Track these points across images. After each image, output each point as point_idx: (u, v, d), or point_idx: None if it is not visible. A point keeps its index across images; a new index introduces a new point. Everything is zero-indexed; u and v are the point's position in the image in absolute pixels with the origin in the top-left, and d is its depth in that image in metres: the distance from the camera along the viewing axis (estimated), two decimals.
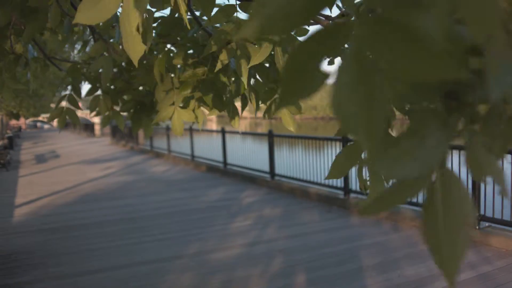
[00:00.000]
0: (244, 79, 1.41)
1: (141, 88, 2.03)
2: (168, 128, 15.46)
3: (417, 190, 0.42)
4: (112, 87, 2.05)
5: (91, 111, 2.11)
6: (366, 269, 4.48)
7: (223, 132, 11.41)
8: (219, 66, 1.47)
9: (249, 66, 1.41)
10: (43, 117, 75.16)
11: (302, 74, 0.41)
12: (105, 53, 1.74)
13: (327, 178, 1.00)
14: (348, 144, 0.94)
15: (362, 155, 0.94)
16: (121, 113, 2.10)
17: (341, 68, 0.39)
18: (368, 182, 0.99)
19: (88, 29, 2.08)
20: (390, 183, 0.84)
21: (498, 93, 0.36)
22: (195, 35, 1.71)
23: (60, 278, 4.66)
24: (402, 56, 0.36)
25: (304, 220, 6.52)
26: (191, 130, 13.34)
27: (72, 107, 2.07)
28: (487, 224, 5.19)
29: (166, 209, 7.70)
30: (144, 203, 8.32)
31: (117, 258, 5.17)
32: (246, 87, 1.48)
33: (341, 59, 0.40)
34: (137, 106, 2.00)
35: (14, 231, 6.69)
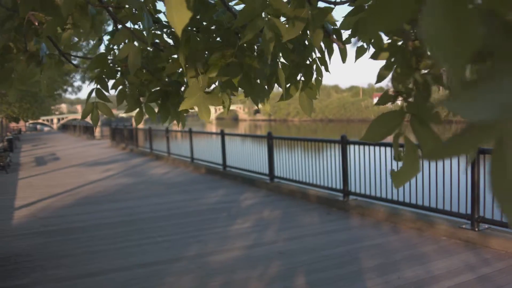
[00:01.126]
0: (269, 49, 1.38)
1: (167, 79, 2.00)
2: (168, 131, 15.46)
3: (487, 135, 0.40)
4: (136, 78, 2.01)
5: (118, 104, 2.06)
6: (365, 271, 4.48)
7: (222, 134, 11.41)
8: (244, 40, 1.44)
9: (283, 41, 1.39)
10: (43, 119, 75.18)
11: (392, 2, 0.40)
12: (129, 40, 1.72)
13: (362, 139, 0.99)
14: (384, 112, 0.93)
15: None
16: (145, 106, 2.04)
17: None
18: (402, 153, 0.99)
19: (111, 18, 2.03)
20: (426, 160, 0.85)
21: None
22: (220, 17, 1.69)
23: (59, 280, 4.65)
24: None
25: (303, 222, 6.52)
26: (190, 132, 13.34)
27: (101, 101, 2.01)
28: (486, 226, 5.18)
29: (165, 212, 7.69)
30: (144, 205, 8.32)
31: (116, 261, 5.16)
32: (269, 58, 1.44)
33: None
34: (163, 96, 1.97)
35: (13, 234, 6.69)
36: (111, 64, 1.99)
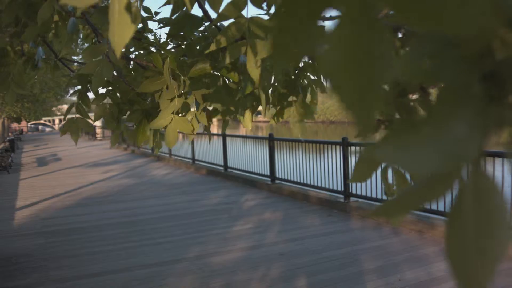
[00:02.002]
0: (254, 75, 1.36)
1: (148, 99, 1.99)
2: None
3: (442, 189, 0.35)
4: (116, 95, 2.00)
5: (95, 120, 2.07)
6: (366, 273, 4.48)
7: (223, 136, 11.42)
8: (227, 60, 1.43)
9: (257, 58, 1.35)
10: (45, 120, 75.25)
11: (297, 26, 0.34)
12: (102, 56, 1.70)
13: (351, 181, 0.98)
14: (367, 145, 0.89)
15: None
16: (123, 127, 2.05)
17: (336, 23, 0.31)
18: (394, 187, 0.95)
19: (92, 31, 2.04)
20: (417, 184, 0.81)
21: None
22: (204, 34, 1.68)
23: (60, 281, 4.66)
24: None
25: (304, 224, 6.52)
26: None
27: (82, 116, 2.02)
28: None
29: (166, 213, 7.70)
30: (145, 206, 8.33)
31: (117, 262, 5.17)
32: (258, 82, 1.41)
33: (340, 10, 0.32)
34: (143, 117, 1.96)
35: (15, 234, 6.70)
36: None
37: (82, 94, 1.99)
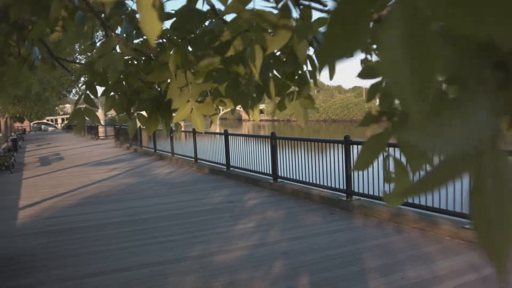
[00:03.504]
0: (257, 67, 1.38)
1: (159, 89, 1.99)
2: (171, 130, 15.46)
3: (462, 170, 0.38)
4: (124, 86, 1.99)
5: (106, 112, 2.06)
6: (369, 271, 4.48)
7: (226, 134, 11.42)
8: (231, 52, 1.44)
9: (267, 53, 1.37)
10: (48, 119, 75.41)
11: (347, 27, 0.38)
12: (116, 49, 1.71)
13: (354, 169, 0.99)
14: (371, 136, 0.91)
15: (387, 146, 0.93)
16: (137, 114, 2.03)
17: (389, 22, 0.36)
18: (393, 175, 0.98)
19: (99, 26, 2.03)
20: (416, 175, 0.82)
21: None
22: (209, 28, 1.68)
23: (63, 280, 4.67)
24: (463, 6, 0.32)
25: (307, 222, 6.52)
26: (194, 133, 13.36)
27: (90, 107, 2.01)
28: None
29: (169, 211, 7.71)
30: (148, 205, 8.34)
31: (120, 261, 5.18)
32: (257, 76, 1.43)
33: (389, 12, 0.37)
34: (153, 106, 1.97)
35: (18, 233, 6.72)
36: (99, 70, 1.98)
37: (90, 85, 1.99)
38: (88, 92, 2.00)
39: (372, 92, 1.08)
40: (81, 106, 1.99)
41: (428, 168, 0.38)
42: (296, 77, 1.67)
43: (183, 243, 5.75)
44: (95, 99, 2.04)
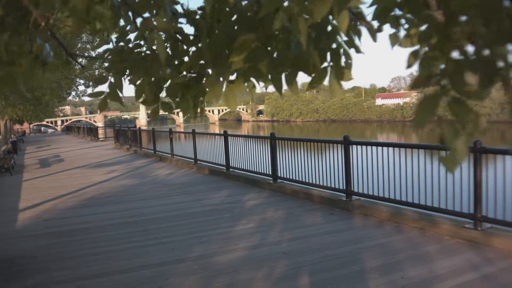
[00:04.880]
0: (303, 37, 1.36)
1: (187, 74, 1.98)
2: (171, 132, 15.49)
3: None
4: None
5: (137, 99, 2.05)
6: (369, 271, 4.49)
7: (225, 135, 11.43)
8: (277, 25, 1.41)
9: (314, 21, 1.34)
10: (47, 121, 75.37)
11: None
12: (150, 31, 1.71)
13: (415, 126, 1.04)
14: (424, 96, 0.98)
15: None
16: (161, 102, 2.03)
17: None
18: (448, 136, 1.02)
19: (128, 11, 2.00)
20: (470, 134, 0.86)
21: None
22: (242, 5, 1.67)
23: (64, 282, 4.68)
24: None
25: (306, 222, 6.53)
26: (194, 134, 13.37)
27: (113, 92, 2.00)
28: (489, 225, 5.18)
29: (169, 213, 7.71)
30: (148, 206, 8.34)
31: (120, 262, 5.19)
32: (304, 47, 1.41)
33: None
34: (183, 89, 1.95)
35: (18, 235, 6.72)
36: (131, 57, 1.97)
37: (119, 73, 1.98)
38: (114, 85, 1.99)
39: (412, 58, 1.15)
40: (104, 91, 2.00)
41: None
42: (331, 50, 1.63)
43: (184, 244, 5.75)
44: (93, 101, 2.04)
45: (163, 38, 1.73)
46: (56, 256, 5.58)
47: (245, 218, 6.94)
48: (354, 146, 7.19)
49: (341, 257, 4.94)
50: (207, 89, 1.68)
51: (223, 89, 1.61)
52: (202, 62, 1.84)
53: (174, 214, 7.60)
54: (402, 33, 1.34)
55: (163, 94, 2.01)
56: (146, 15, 1.89)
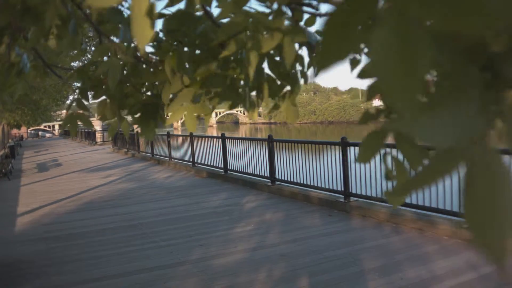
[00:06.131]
0: (251, 69, 1.40)
1: (149, 93, 2.01)
2: (169, 135, 15.49)
3: (455, 163, 0.40)
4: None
5: (98, 115, 2.09)
6: (368, 272, 4.49)
7: (223, 138, 11.44)
8: (225, 53, 1.46)
9: (263, 51, 1.39)
10: (45, 126, 75.25)
11: (341, 36, 0.41)
12: (110, 54, 1.73)
13: (358, 161, 1.02)
14: (370, 132, 0.94)
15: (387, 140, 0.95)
16: (122, 118, 2.07)
17: (379, 26, 0.38)
18: (393, 172, 0.99)
19: (88, 32, 2.05)
20: (416, 170, 0.84)
21: None
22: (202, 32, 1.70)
23: (63, 286, 4.67)
24: (446, 4, 0.35)
25: (305, 224, 6.54)
26: (191, 137, 13.37)
27: (82, 111, 2.03)
28: None
29: (168, 216, 7.71)
30: (146, 210, 8.34)
31: (119, 266, 5.18)
32: (251, 78, 1.46)
33: (379, 16, 0.39)
34: (143, 110, 1.98)
35: (16, 240, 6.71)
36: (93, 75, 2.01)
37: (82, 91, 2.02)
38: (79, 97, 2.03)
39: (371, 91, 1.10)
40: (73, 111, 2.03)
41: (425, 164, 0.40)
42: (289, 76, 1.69)
43: (182, 247, 5.75)
44: (89, 105, 2.06)
45: (121, 63, 1.75)
46: (55, 260, 5.57)
47: (243, 221, 6.94)
48: (352, 148, 7.20)
49: (340, 258, 4.95)
50: (166, 111, 1.72)
51: (184, 112, 1.65)
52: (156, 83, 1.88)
53: (172, 217, 7.60)
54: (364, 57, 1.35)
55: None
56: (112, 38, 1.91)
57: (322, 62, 0.42)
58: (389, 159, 1.05)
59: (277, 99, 1.77)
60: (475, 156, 0.40)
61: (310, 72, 1.68)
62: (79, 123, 2.01)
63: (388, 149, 1.00)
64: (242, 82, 1.66)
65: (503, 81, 0.42)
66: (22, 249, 6.20)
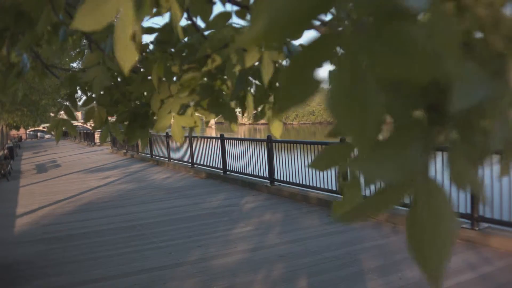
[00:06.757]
0: (232, 83, 1.43)
1: (137, 101, 2.02)
2: (168, 136, 15.48)
3: (399, 196, 0.44)
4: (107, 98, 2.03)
5: (86, 121, 2.10)
6: (367, 272, 4.50)
7: (222, 138, 11.44)
8: (210, 67, 1.49)
9: (243, 68, 1.42)
10: (43, 126, 75.18)
11: (299, 81, 0.44)
12: (100, 62, 1.74)
13: (310, 166, 0.99)
14: (335, 145, 0.93)
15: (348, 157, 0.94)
16: (112, 123, 2.07)
17: (334, 73, 0.42)
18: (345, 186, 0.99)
19: (85, 38, 2.06)
20: (366, 191, 0.85)
21: (459, 105, 0.39)
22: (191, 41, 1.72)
23: (62, 287, 4.67)
24: (391, 56, 0.39)
25: (304, 224, 6.54)
26: (190, 138, 13.36)
27: (68, 118, 2.05)
28: (486, 225, 5.20)
29: (167, 217, 7.71)
30: (145, 211, 8.33)
31: (118, 267, 5.18)
32: (230, 90, 1.49)
33: (334, 63, 0.42)
34: (131, 117, 1.99)
35: (15, 241, 6.70)
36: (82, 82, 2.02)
37: (71, 97, 2.03)
38: (68, 103, 2.04)
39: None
40: (60, 116, 2.04)
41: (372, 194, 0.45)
42: (273, 88, 1.70)
43: (182, 248, 5.75)
44: (74, 109, 2.08)
45: (110, 71, 1.76)
46: (54, 261, 5.57)
47: (243, 221, 6.95)
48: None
49: (339, 259, 4.95)
50: (154, 119, 1.73)
51: (170, 122, 1.66)
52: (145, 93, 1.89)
53: (172, 218, 7.60)
54: None
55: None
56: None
57: (282, 105, 0.45)
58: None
59: (262, 108, 1.78)
60: (418, 188, 0.44)
61: None
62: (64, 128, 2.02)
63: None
64: (224, 93, 1.68)
65: (446, 119, 0.45)
66: (21, 250, 6.20)
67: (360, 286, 4.20)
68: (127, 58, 0.80)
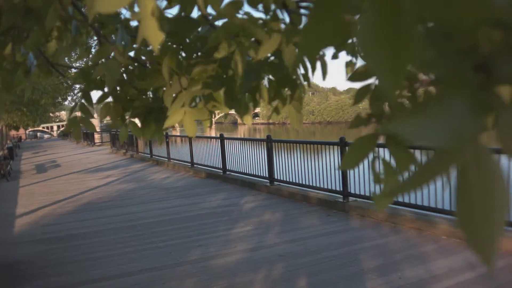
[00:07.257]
0: (239, 73, 1.41)
1: (150, 95, 2.00)
2: (167, 136, 15.48)
3: (448, 164, 0.40)
4: (121, 93, 2.01)
5: (102, 118, 2.09)
6: (367, 271, 4.50)
7: (221, 138, 11.44)
8: (220, 54, 1.47)
9: (256, 59, 1.40)
10: (43, 127, 75.18)
11: (327, 20, 0.41)
12: (110, 56, 1.73)
13: (341, 168, 0.99)
14: (360, 137, 0.91)
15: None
16: (131, 121, 2.05)
17: (365, 9, 0.38)
18: (381, 176, 0.99)
19: (93, 33, 2.05)
20: (406, 175, 0.84)
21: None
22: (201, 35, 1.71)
23: (62, 287, 4.67)
24: None
25: (304, 224, 6.54)
26: (190, 138, 13.36)
27: (84, 116, 2.02)
28: None
29: (166, 216, 7.71)
30: (145, 210, 8.34)
31: (118, 267, 5.18)
32: (238, 79, 1.47)
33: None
34: (146, 112, 1.98)
35: (15, 241, 6.71)
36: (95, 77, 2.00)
37: (85, 93, 2.01)
38: (83, 100, 2.01)
39: (360, 95, 1.06)
40: (76, 114, 2.01)
41: (415, 168, 0.39)
42: (288, 81, 1.69)
43: (181, 248, 5.75)
44: (90, 106, 2.06)
45: (121, 64, 1.76)
46: (54, 261, 5.57)
47: (242, 221, 6.95)
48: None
49: (339, 258, 4.96)
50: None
51: (182, 116, 1.64)
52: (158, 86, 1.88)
53: (171, 217, 7.60)
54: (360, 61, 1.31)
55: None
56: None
57: (304, 48, 0.43)
58: (379, 162, 1.04)
59: (276, 103, 1.77)
60: (468, 156, 0.40)
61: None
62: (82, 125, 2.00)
63: (379, 153, 0.99)
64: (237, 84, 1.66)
65: (496, 81, 0.42)
66: (21, 250, 6.20)
67: (360, 285, 4.21)
68: (155, 36, 0.82)
